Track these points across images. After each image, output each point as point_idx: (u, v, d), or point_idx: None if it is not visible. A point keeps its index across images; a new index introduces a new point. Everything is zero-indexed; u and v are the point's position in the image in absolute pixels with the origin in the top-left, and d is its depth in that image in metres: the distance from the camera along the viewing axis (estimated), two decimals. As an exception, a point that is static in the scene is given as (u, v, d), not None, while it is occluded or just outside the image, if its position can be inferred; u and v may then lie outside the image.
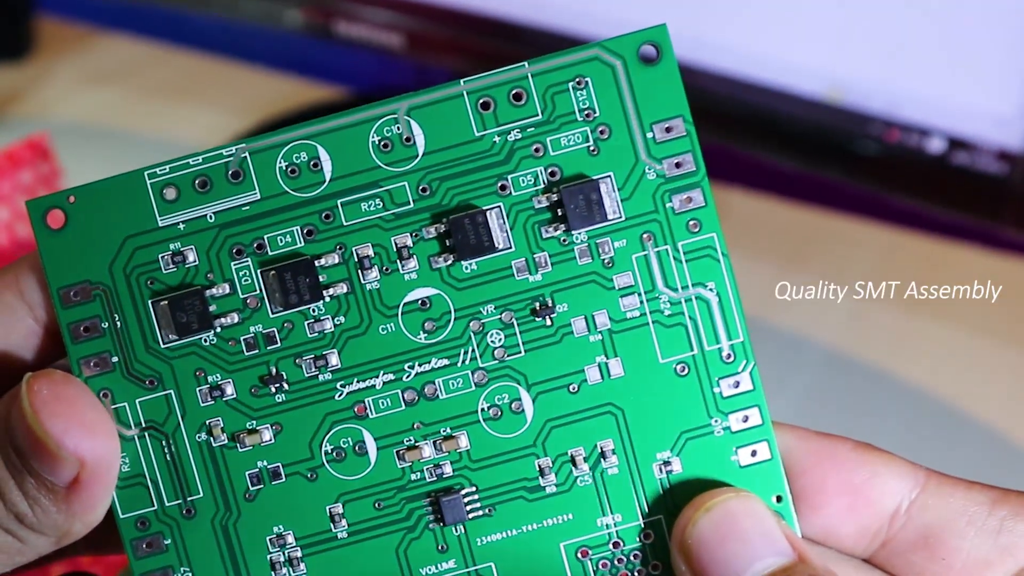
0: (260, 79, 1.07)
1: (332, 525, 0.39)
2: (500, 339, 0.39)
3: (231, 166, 0.39)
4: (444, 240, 0.39)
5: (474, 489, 0.39)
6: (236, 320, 0.39)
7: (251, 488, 0.39)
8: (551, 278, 0.39)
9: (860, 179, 0.78)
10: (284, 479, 0.39)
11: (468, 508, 0.39)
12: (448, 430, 0.39)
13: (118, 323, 0.39)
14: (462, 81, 0.39)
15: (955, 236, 0.91)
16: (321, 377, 0.39)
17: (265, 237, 0.39)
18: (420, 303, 0.39)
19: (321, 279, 0.39)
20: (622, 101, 0.39)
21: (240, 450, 0.39)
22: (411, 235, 0.39)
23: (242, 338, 0.39)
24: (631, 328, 0.39)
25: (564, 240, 0.39)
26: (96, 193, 0.39)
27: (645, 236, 0.39)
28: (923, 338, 0.85)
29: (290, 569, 0.39)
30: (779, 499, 0.39)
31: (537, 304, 0.39)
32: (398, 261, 0.39)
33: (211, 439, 0.39)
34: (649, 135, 0.39)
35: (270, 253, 0.39)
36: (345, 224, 0.39)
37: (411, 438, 0.39)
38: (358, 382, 0.39)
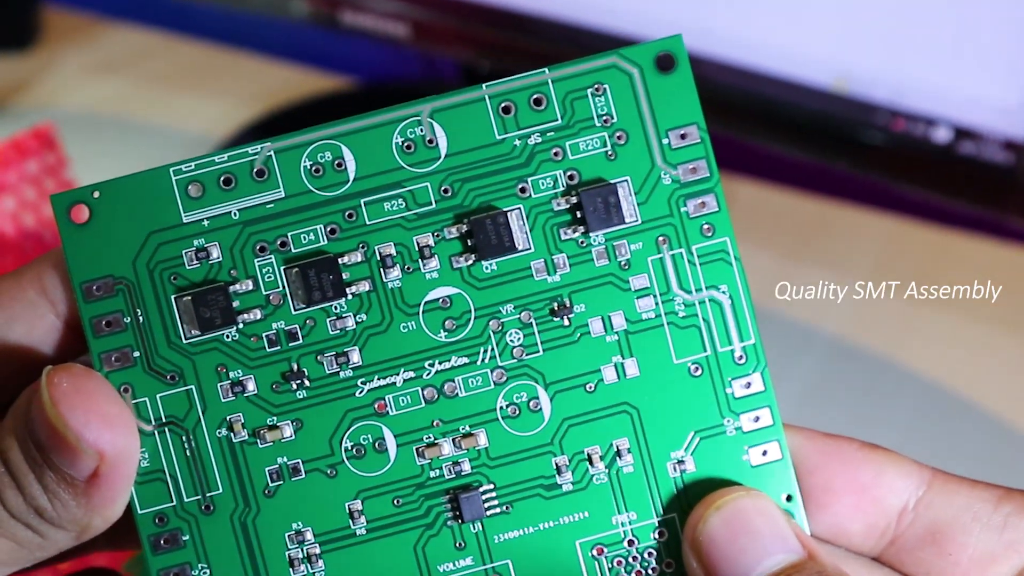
0: (266, 69, 1.07)
1: (351, 522, 0.40)
2: (519, 338, 0.40)
3: (256, 164, 0.40)
4: (465, 240, 0.40)
5: (492, 487, 0.40)
6: (259, 316, 0.39)
7: (270, 484, 0.39)
8: (569, 279, 0.40)
9: (866, 168, 0.78)
10: (304, 475, 0.39)
11: (486, 505, 0.40)
12: (467, 427, 0.40)
13: (140, 318, 0.39)
14: (484, 86, 0.40)
15: (961, 226, 0.91)
16: (342, 374, 0.40)
17: (289, 235, 0.40)
18: (441, 302, 0.40)
19: (344, 276, 0.39)
20: (639, 108, 0.40)
21: (260, 446, 0.39)
22: (433, 235, 0.40)
23: (264, 334, 0.39)
24: (646, 329, 0.40)
25: (582, 242, 0.40)
26: (121, 188, 0.39)
27: (660, 239, 0.40)
28: (927, 328, 0.85)
29: (308, 566, 0.39)
30: (789, 498, 0.40)
31: (555, 304, 0.40)
32: (420, 260, 0.40)
33: (231, 435, 0.39)
34: (665, 141, 0.40)
35: (293, 251, 0.40)
36: (368, 223, 0.40)
37: (430, 435, 0.40)
38: (379, 379, 0.40)
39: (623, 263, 0.40)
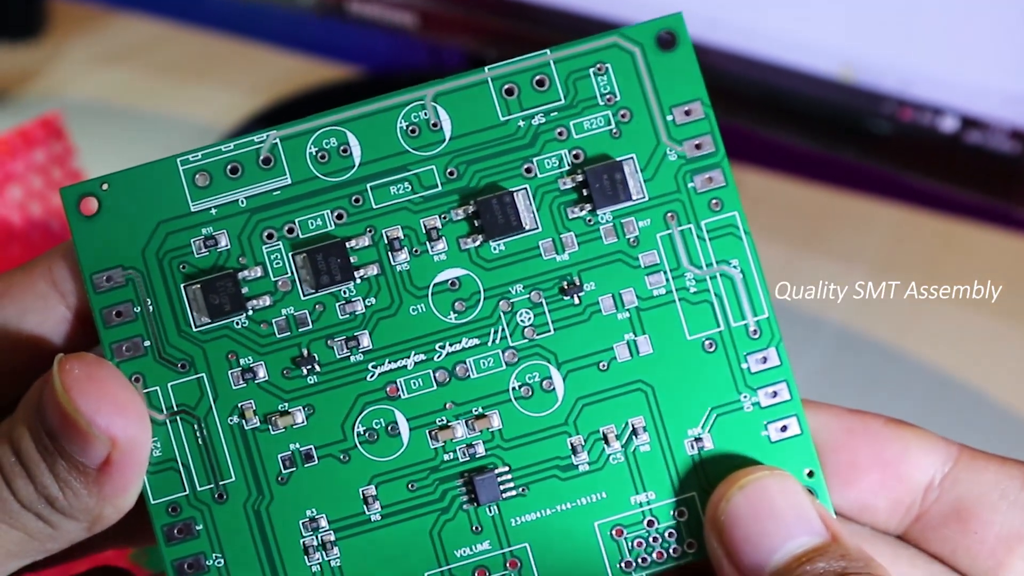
0: (273, 58, 1.07)
1: (365, 507, 0.39)
2: (529, 318, 0.40)
3: (262, 152, 0.40)
4: (472, 221, 0.40)
5: (507, 469, 0.39)
6: (268, 303, 0.39)
7: (283, 471, 0.39)
8: (578, 257, 0.40)
9: (872, 158, 0.78)
10: (317, 461, 0.39)
11: (502, 488, 0.39)
12: (480, 409, 0.40)
13: (150, 307, 0.39)
14: (486, 68, 0.40)
15: (967, 216, 0.91)
16: (353, 358, 0.40)
17: (296, 221, 0.40)
18: (450, 283, 0.40)
19: (352, 260, 0.40)
20: (641, 86, 0.40)
21: (272, 433, 0.39)
22: (440, 217, 0.40)
23: (274, 320, 0.40)
24: (658, 306, 0.40)
25: (589, 220, 0.40)
26: (129, 180, 0.40)
27: (669, 215, 0.40)
28: (936, 317, 0.85)
29: (323, 553, 0.39)
30: (811, 474, 0.40)
31: (565, 283, 0.40)
32: (427, 243, 0.40)
33: (243, 422, 0.39)
34: (669, 118, 0.40)
35: (301, 236, 0.40)
36: (375, 207, 0.40)
37: (443, 418, 0.40)
38: (390, 363, 0.40)
39: (631, 240, 0.40)
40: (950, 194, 0.79)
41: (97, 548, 0.44)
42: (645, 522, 0.40)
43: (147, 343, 0.39)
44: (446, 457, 0.40)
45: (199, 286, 0.39)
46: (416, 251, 0.40)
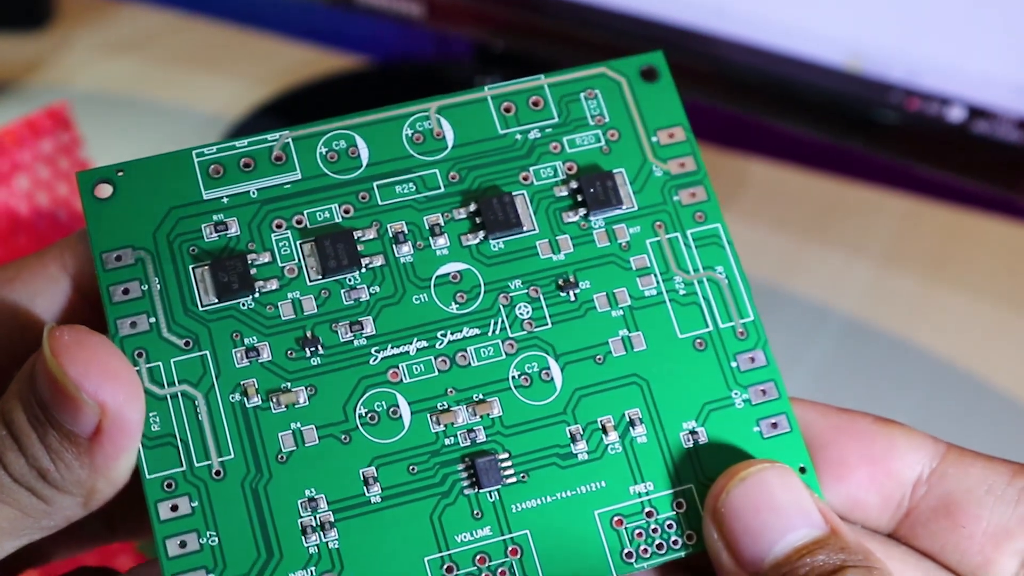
0: (280, 48, 1.07)
1: (365, 489, 0.39)
2: (528, 311, 0.41)
3: (274, 150, 0.42)
4: (474, 219, 0.42)
5: (507, 455, 0.40)
6: (275, 287, 0.40)
7: (283, 450, 0.39)
8: (573, 258, 0.42)
9: (880, 148, 0.78)
10: (317, 441, 0.39)
11: (503, 473, 0.39)
12: (480, 396, 0.40)
13: (158, 286, 0.40)
14: (486, 87, 0.44)
15: (975, 206, 0.91)
16: (356, 342, 0.40)
17: (305, 212, 0.41)
18: (451, 276, 0.41)
19: (359, 250, 0.41)
20: (628, 110, 0.44)
21: (274, 411, 0.39)
22: (442, 215, 0.42)
23: (279, 304, 0.40)
24: (649, 305, 0.42)
25: (583, 225, 0.42)
26: (144, 167, 0.41)
27: (657, 224, 0.43)
28: (943, 306, 0.85)
29: (321, 534, 0.38)
30: (803, 470, 0.40)
31: (561, 280, 0.42)
32: (430, 238, 0.41)
33: (245, 399, 0.39)
34: (654, 139, 0.44)
35: (309, 227, 0.41)
36: (380, 204, 0.42)
37: (444, 403, 0.40)
38: (392, 348, 0.40)
39: (623, 244, 0.42)
40: (957, 184, 0.79)
41: (106, 539, 0.44)
42: (645, 512, 0.40)
43: (152, 320, 0.39)
44: (447, 441, 0.40)
45: (208, 266, 0.40)
46: (419, 245, 0.41)
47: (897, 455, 0.40)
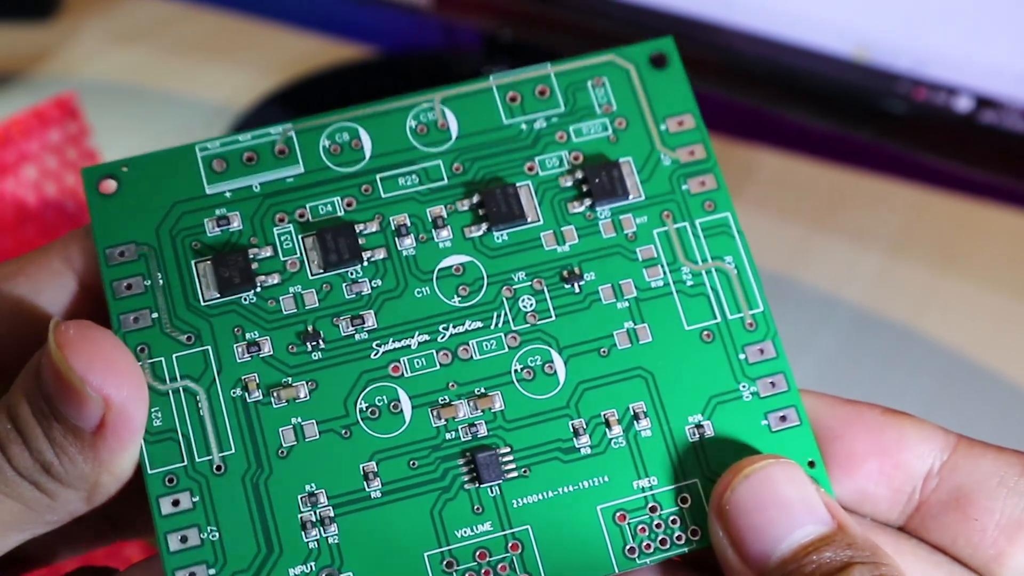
0: (288, 38, 1.07)
1: (366, 484, 0.39)
2: (531, 304, 0.41)
3: (277, 143, 0.42)
4: (477, 211, 0.42)
5: (509, 449, 0.39)
6: (277, 281, 0.40)
7: (284, 444, 0.39)
8: (578, 249, 0.42)
9: (888, 138, 0.78)
10: (318, 436, 0.39)
11: (504, 467, 0.39)
12: (482, 389, 0.40)
13: (160, 281, 0.40)
14: (491, 77, 0.43)
15: (983, 195, 0.91)
16: (358, 336, 0.40)
17: (307, 206, 0.41)
18: (454, 269, 0.41)
19: (360, 243, 0.41)
20: (636, 98, 0.43)
21: (275, 406, 0.39)
22: (445, 207, 0.42)
23: (281, 298, 0.40)
24: (656, 296, 0.41)
25: (589, 215, 0.42)
26: (148, 163, 0.41)
27: (664, 214, 0.42)
28: (951, 296, 0.85)
29: (321, 529, 0.38)
30: (812, 464, 0.40)
31: (565, 272, 0.41)
32: (433, 230, 0.41)
33: (246, 394, 0.39)
34: (663, 127, 0.43)
35: (312, 221, 0.41)
36: (383, 196, 0.42)
37: (445, 397, 0.40)
38: (394, 342, 0.40)
39: (629, 235, 0.42)
40: (965, 174, 0.79)
41: (110, 538, 0.44)
42: (648, 508, 0.39)
43: (155, 315, 0.40)
44: (448, 436, 0.40)
45: (210, 260, 0.40)
46: (422, 238, 0.41)
47: (907, 447, 0.39)
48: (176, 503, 0.38)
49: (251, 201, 0.41)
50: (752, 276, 0.41)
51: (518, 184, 0.42)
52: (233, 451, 0.39)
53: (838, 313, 0.84)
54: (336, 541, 0.39)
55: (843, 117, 0.78)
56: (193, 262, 0.40)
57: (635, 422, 0.40)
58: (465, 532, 0.39)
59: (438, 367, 0.40)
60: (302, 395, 0.39)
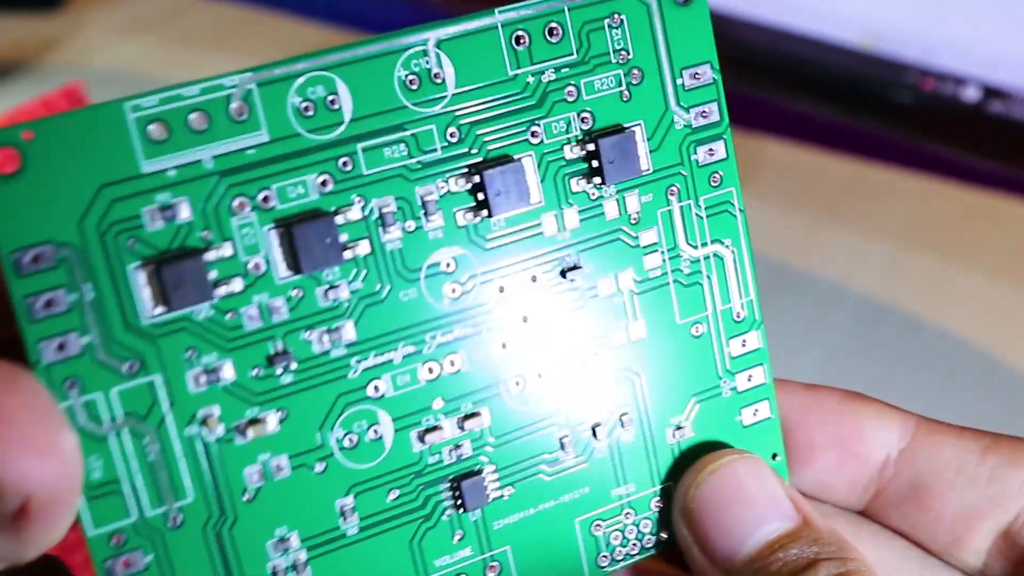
0: (295, 28, 1.07)
1: (341, 521, 0.34)
2: (528, 304, 0.36)
3: (233, 100, 0.32)
4: (475, 193, 0.35)
5: (494, 468, 0.36)
6: (238, 288, 0.33)
7: (250, 486, 0.33)
8: (579, 235, 0.37)
9: (895, 128, 0.78)
10: (289, 473, 0.34)
11: (488, 490, 0.36)
12: (471, 406, 0.36)
13: (89, 295, 0.31)
14: (497, 11, 0.35)
15: (990, 185, 0.90)
16: (333, 352, 0.34)
17: (273, 187, 0.33)
18: (444, 264, 0.35)
19: (341, 240, 0.34)
20: (655, 42, 0.37)
21: (238, 443, 0.33)
22: (437, 186, 0.35)
23: (243, 310, 0.33)
24: (653, 288, 0.38)
25: (594, 194, 0.37)
26: (62, 129, 0.31)
27: (671, 190, 0.37)
28: (959, 286, 0.85)
29: (294, 575, 0.34)
30: (775, 456, 0.39)
31: (565, 265, 0.36)
32: (423, 216, 0.34)
33: (204, 431, 0.33)
34: (679, 81, 0.37)
35: (279, 207, 0.33)
36: (365, 173, 0.34)
37: (430, 418, 0.35)
38: (375, 356, 0.34)
39: (633, 217, 0.37)
40: (973, 164, 0.79)
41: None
42: (624, 514, 0.38)
43: (84, 340, 0.31)
44: (431, 460, 0.35)
45: (153, 267, 0.32)
46: (409, 226, 0.34)
47: (865, 436, 0.39)
48: (128, 564, 0.32)
49: (202, 182, 0.32)
50: (748, 261, 0.38)
51: (521, 155, 0.35)
52: (191, 499, 0.33)
53: (846, 303, 0.83)
54: None
55: (851, 107, 0.78)
56: (131, 267, 0.32)
57: (619, 428, 0.38)
58: (444, 560, 0.36)
59: (423, 384, 0.35)
60: (271, 428, 0.33)
